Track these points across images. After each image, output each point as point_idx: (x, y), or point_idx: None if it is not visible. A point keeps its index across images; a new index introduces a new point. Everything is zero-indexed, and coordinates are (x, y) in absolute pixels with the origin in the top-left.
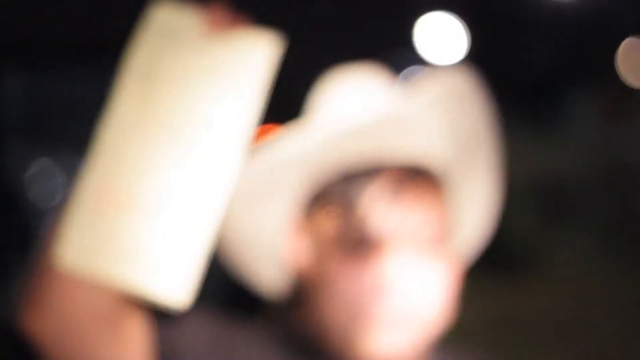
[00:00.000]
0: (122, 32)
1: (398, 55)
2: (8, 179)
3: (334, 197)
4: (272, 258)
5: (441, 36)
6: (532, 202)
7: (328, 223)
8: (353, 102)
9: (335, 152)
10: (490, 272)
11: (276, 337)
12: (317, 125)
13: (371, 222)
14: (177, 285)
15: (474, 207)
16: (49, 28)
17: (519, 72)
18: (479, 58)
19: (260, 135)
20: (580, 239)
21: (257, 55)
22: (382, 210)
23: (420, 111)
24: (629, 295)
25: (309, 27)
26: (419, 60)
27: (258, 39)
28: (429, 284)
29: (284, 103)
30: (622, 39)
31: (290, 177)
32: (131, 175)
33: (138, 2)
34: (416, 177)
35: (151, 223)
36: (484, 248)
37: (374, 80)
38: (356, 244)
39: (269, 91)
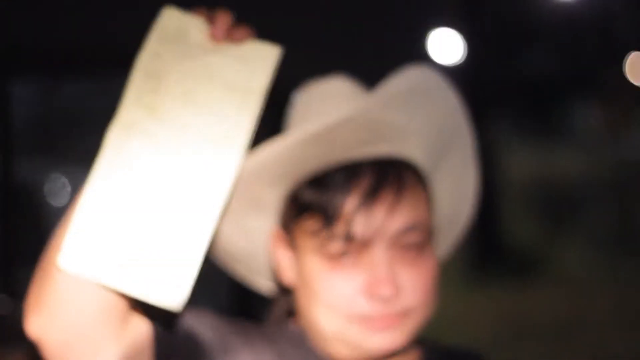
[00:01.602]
0: (130, 42)
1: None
2: (24, 192)
3: (312, 206)
4: (264, 269)
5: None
6: (540, 208)
7: (310, 233)
8: (322, 109)
9: (302, 158)
10: (500, 276)
11: (277, 338)
12: (286, 134)
13: (352, 225)
14: (173, 288)
15: (453, 200)
16: (57, 38)
17: (527, 79)
18: (481, 66)
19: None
20: (585, 243)
21: (258, 64)
22: (361, 213)
23: (382, 108)
24: (631, 295)
25: (317, 41)
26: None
27: (260, 48)
28: (414, 282)
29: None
30: (631, 48)
31: (267, 189)
32: (132, 182)
33: (146, 11)
34: (391, 176)
35: (151, 229)
36: (493, 253)
37: (344, 87)
38: (339, 249)
39: (267, 101)
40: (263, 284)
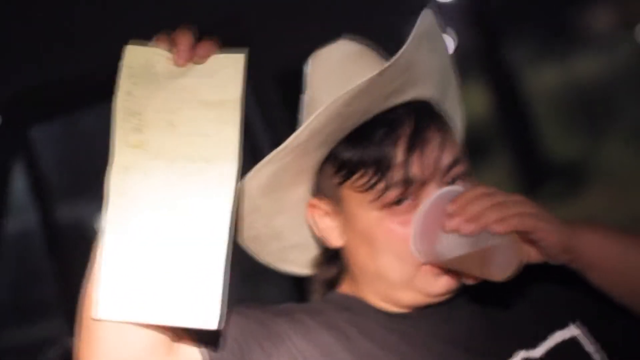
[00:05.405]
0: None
1: None
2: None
3: (360, 162)
4: (303, 242)
5: None
6: (575, 116)
7: (359, 189)
8: (346, 69)
9: (346, 117)
10: (554, 191)
11: (321, 308)
12: (309, 106)
13: (409, 169)
14: (206, 308)
15: (457, 129)
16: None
17: None
18: None
19: None
20: (627, 140)
21: (227, 74)
22: (415, 155)
23: (415, 49)
24: None
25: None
26: None
27: (226, 59)
28: None
29: None
30: None
31: (307, 158)
32: (143, 222)
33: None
34: (429, 116)
35: (171, 258)
36: (542, 170)
37: (354, 47)
38: (396, 196)
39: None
40: (298, 261)
